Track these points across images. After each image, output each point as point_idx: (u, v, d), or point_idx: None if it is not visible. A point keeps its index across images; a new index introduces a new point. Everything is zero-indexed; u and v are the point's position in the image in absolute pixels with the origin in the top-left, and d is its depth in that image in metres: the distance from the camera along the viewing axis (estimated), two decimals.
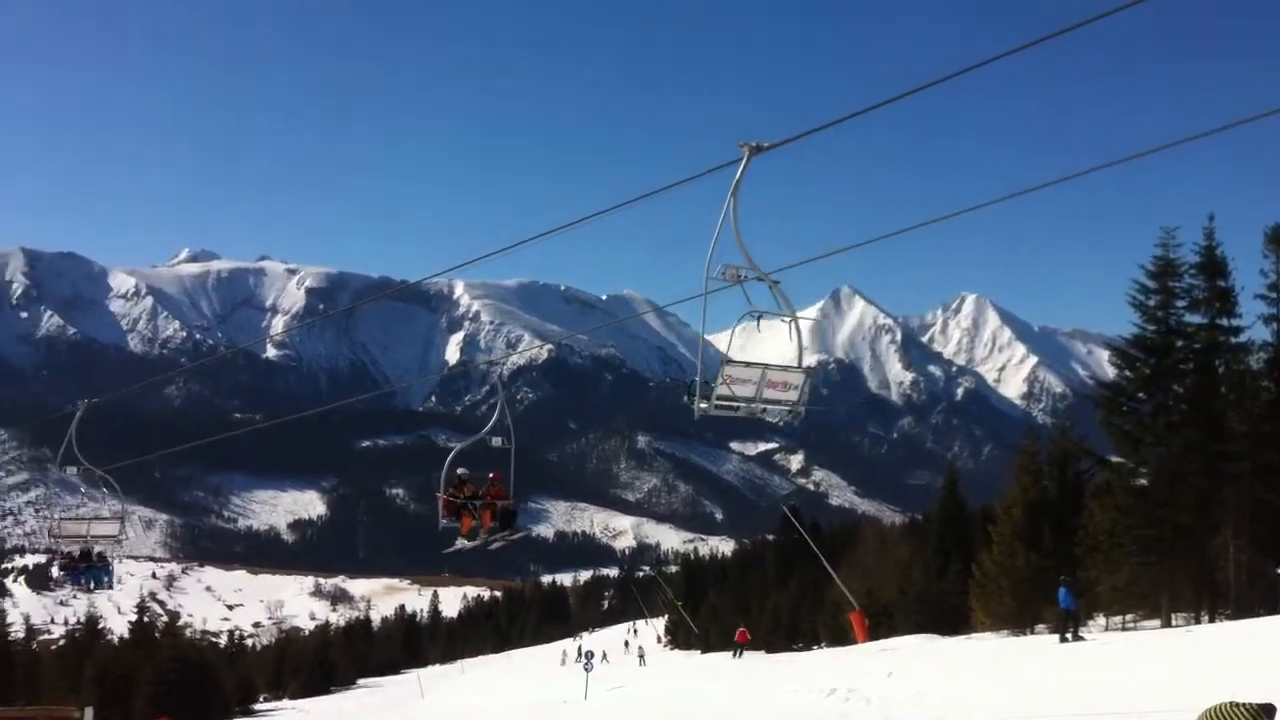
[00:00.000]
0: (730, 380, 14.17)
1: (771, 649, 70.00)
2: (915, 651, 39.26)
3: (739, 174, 13.15)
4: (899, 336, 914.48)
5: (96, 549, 26.61)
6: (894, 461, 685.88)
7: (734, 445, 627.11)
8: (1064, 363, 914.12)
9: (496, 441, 19.93)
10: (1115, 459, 38.27)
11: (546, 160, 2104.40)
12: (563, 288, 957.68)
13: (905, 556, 60.23)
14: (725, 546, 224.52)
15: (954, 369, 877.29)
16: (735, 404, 14.36)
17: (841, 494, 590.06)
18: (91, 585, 27.45)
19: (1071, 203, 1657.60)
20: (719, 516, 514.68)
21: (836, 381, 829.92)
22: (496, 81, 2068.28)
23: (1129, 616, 39.66)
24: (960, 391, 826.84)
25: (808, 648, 67.16)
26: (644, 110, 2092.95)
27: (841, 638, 58.65)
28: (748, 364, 14.36)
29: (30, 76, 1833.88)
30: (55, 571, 26.16)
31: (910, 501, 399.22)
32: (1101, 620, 40.90)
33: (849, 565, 64.63)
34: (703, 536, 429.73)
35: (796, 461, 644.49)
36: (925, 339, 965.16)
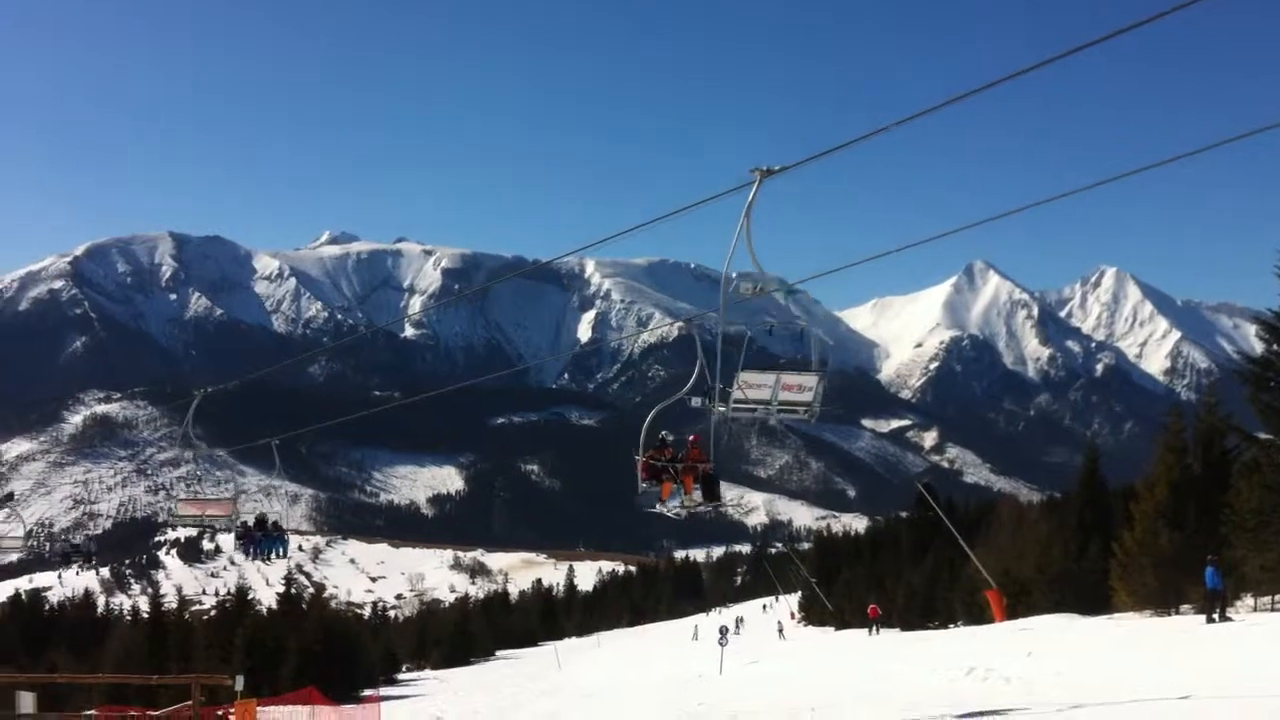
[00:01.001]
0: (746, 385, 15.78)
1: (907, 627, 69.54)
2: (1055, 631, 38.78)
3: (751, 197, 14.27)
4: (1035, 311, 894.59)
5: (271, 519, 27.35)
6: (1030, 439, 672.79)
7: (866, 422, 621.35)
8: (1209, 337, 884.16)
9: (695, 402, 18.85)
10: (1264, 436, 37.16)
11: (675, 138, 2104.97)
12: (692, 265, 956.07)
13: (1044, 535, 59.09)
14: (858, 524, 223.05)
15: (1093, 344, 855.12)
16: (753, 406, 15.97)
17: (977, 471, 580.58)
18: (267, 555, 27.93)
19: (1216, 171, 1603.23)
20: (851, 494, 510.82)
21: (970, 358, 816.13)
22: (625, 62, 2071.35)
23: (1278, 597, 38.64)
24: (1100, 367, 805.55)
25: (944, 626, 66.48)
26: (779, 81, 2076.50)
27: (978, 616, 57.99)
28: (763, 369, 15.96)
29: (176, 68, 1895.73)
30: (234, 543, 26.01)
31: (1047, 479, 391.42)
32: (1249, 600, 39.89)
33: (985, 543, 63.75)
34: (835, 513, 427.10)
35: (930, 438, 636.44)
36: (1063, 314, 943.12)
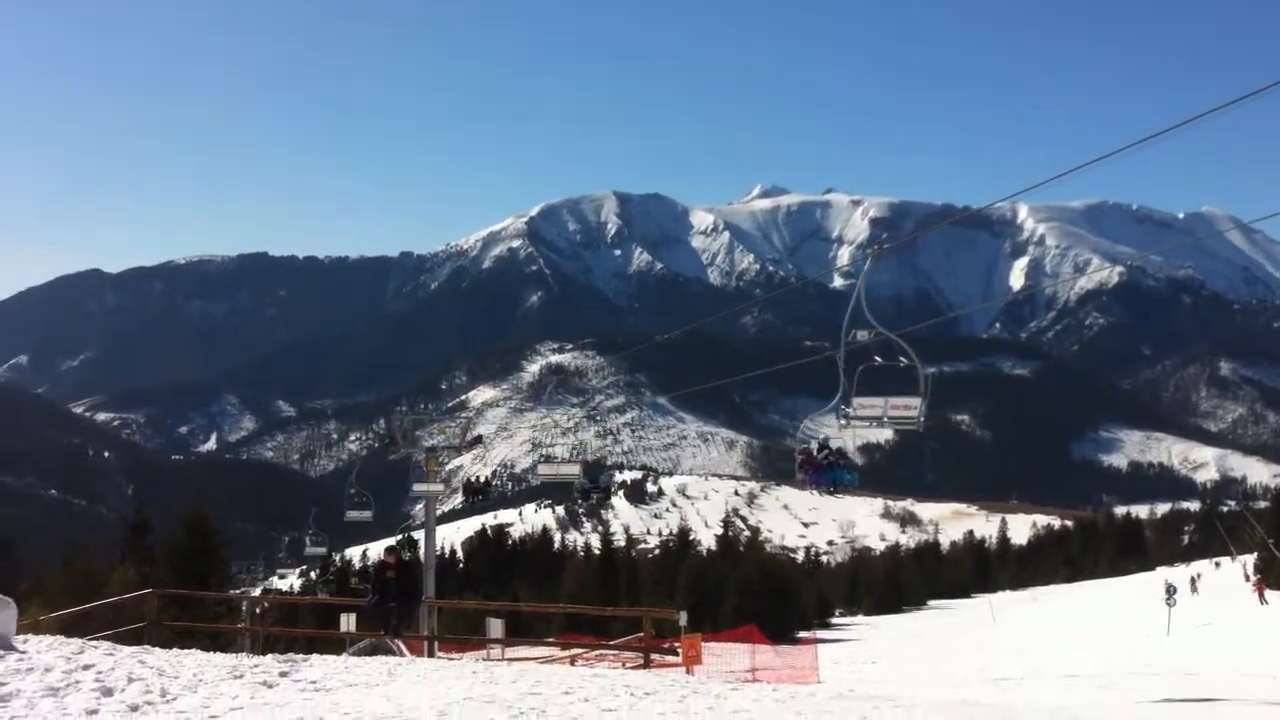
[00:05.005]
0: (860, 407, 17.45)
1: None
2: None
3: (865, 269, 17.88)
4: None
5: (835, 444, 27.23)
6: None
7: None
8: None
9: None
10: None
11: (1114, 72, 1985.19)
12: (1134, 207, 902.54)
13: None
14: None
15: None
16: (867, 420, 17.63)
17: None
18: (833, 485, 27.58)
19: None
20: None
21: None
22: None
23: None
24: None
25: None
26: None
27: None
28: (872, 398, 17.62)
29: (614, 42, 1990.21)
30: (796, 472, 25.94)
31: None
32: None
33: None
34: None
35: None
36: None
